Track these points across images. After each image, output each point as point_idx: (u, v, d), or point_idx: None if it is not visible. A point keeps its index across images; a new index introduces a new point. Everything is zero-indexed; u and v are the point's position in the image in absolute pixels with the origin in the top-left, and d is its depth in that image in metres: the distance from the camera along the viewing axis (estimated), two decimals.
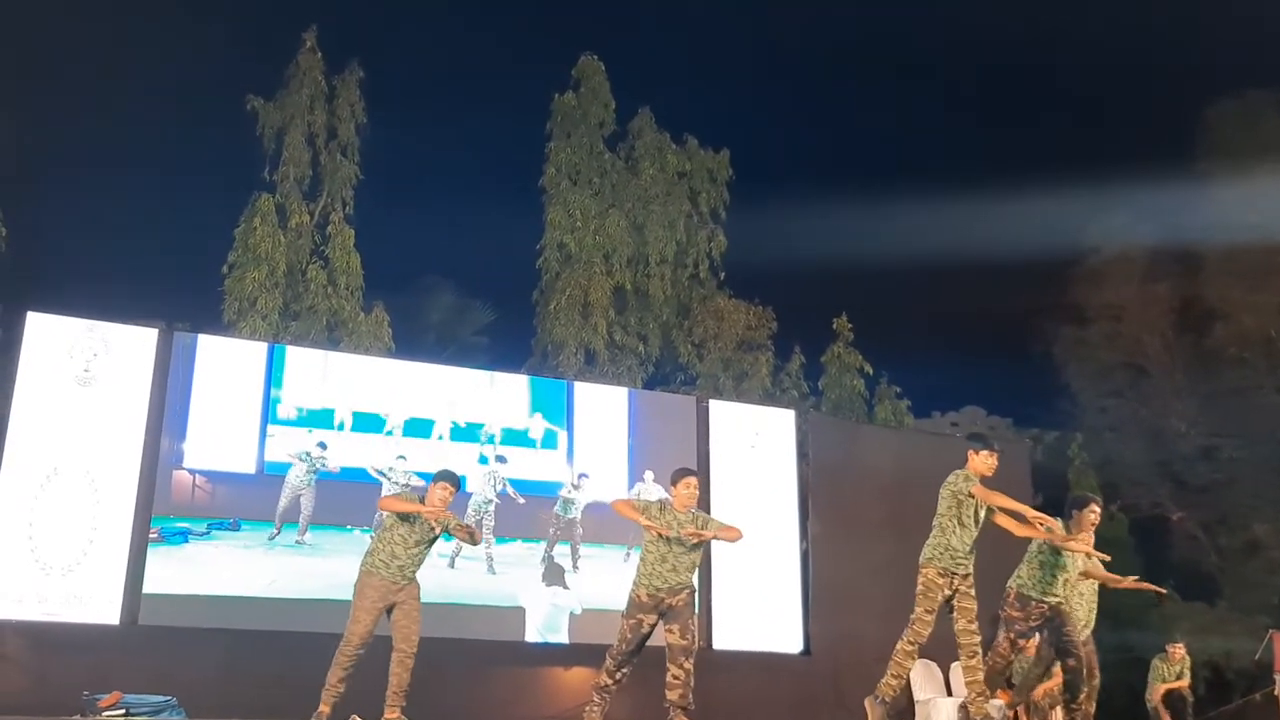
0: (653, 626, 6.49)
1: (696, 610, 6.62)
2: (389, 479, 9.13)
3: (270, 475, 8.90)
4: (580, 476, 9.88)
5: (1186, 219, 18.59)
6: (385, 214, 16.11)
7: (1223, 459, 18.67)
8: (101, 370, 8.52)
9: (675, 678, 6.35)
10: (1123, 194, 18.68)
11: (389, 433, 9.38)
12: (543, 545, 9.64)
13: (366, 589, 6.50)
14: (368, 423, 9.32)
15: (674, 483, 6.72)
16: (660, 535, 6.40)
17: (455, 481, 6.70)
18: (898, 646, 6.66)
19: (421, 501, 6.59)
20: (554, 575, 9.55)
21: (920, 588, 6.62)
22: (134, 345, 8.69)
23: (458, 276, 18.90)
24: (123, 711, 5.30)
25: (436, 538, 6.69)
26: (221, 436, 8.86)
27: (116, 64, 18.23)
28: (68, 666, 7.36)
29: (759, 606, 10.14)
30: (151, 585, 8.26)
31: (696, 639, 6.56)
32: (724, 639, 9.84)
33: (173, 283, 16.37)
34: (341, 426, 9.22)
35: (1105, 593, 7.55)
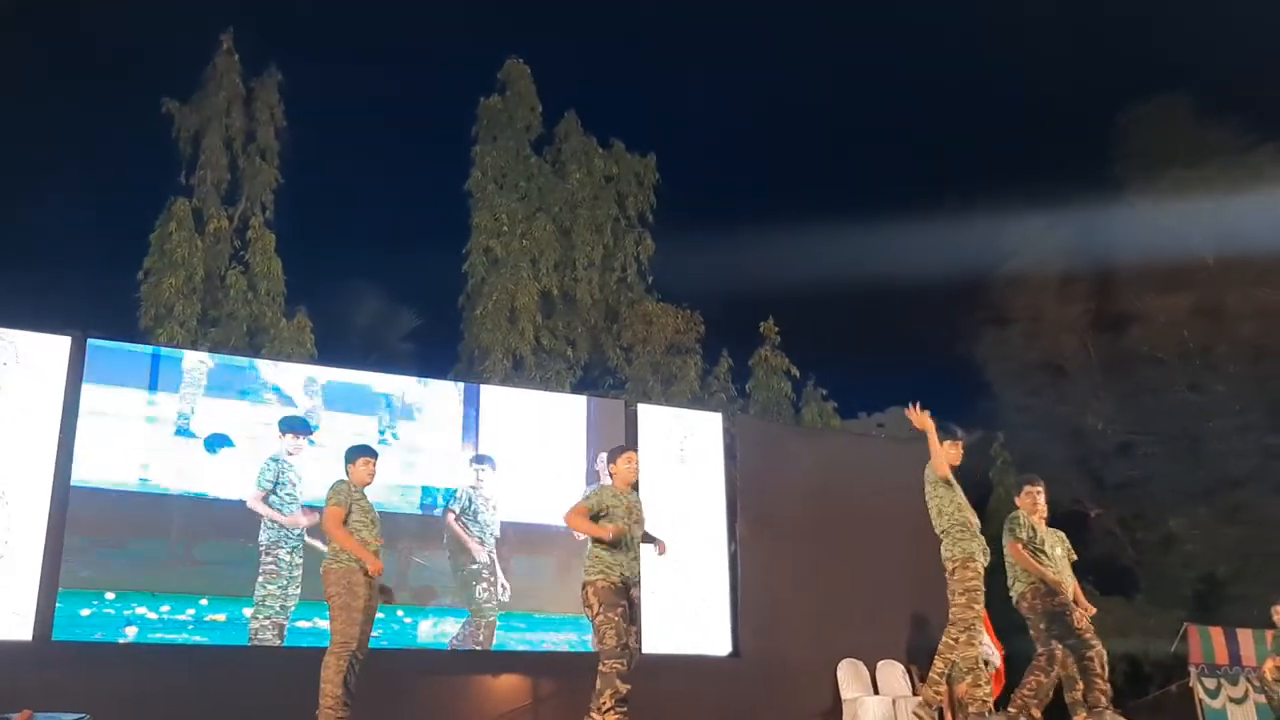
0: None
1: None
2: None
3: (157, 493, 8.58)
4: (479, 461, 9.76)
5: (1102, 223, 19.07)
6: (307, 219, 15.91)
7: (1138, 456, 19.12)
8: (11, 380, 8.27)
9: None
10: (1041, 198, 19.08)
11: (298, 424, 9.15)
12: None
13: (356, 587, 6.22)
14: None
15: (613, 460, 6.59)
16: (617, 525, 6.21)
17: (375, 453, 6.76)
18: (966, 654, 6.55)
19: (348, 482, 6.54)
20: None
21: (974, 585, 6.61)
22: (46, 354, 8.45)
23: (383, 281, 18.77)
24: None
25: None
26: (107, 449, 8.52)
27: (25, 64, 17.75)
28: None
29: (687, 609, 10.15)
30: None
31: None
32: (652, 642, 9.82)
33: (87, 289, 15.97)
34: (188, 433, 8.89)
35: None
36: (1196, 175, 17.37)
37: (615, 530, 6.19)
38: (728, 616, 10.33)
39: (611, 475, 6.59)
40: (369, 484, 6.65)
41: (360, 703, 6.24)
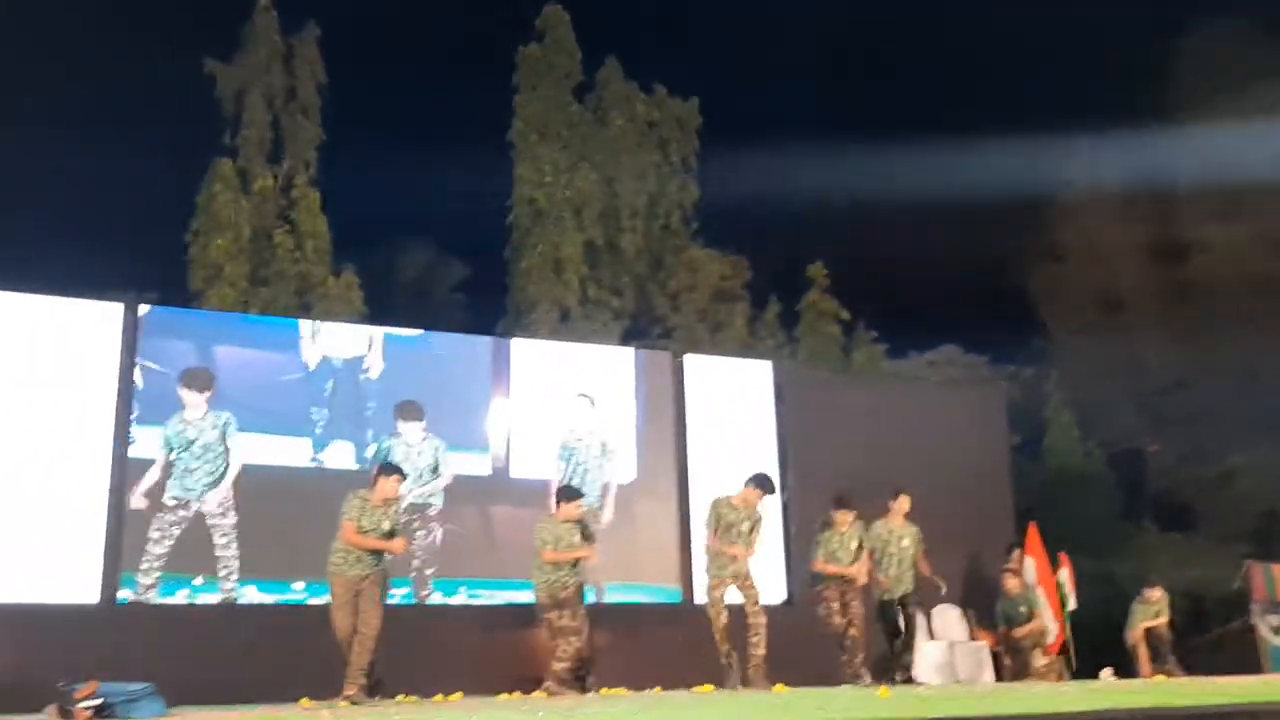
0: None
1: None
2: None
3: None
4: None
5: (1160, 150, 18.56)
6: (351, 175, 15.88)
7: (1197, 390, 18.77)
8: (66, 347, 8.37)
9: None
10: (1097, 130, 18.62)
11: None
12: None
13: (335, 587, 6.89)
14: None
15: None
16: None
17: (402, 471, 7.21)
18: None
19: (368, 496, 6.98)
20: None
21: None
22: (98, 321, 8.54)
23: (429, 234, 18.73)
24: (99, 702, 5.19)
25: (392, 530, 7.02)
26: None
27: (64, 29, 17.81)
28: (46, 650, 7.28)
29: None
30: None
31: None
32: (704, 593, 9.85)
33: (134, 252, 16.08)
34: None
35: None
36: (1256, 98, 16.83)
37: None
38: (782, 565, 10.33)
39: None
40: (391, 499, 7.08)
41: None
